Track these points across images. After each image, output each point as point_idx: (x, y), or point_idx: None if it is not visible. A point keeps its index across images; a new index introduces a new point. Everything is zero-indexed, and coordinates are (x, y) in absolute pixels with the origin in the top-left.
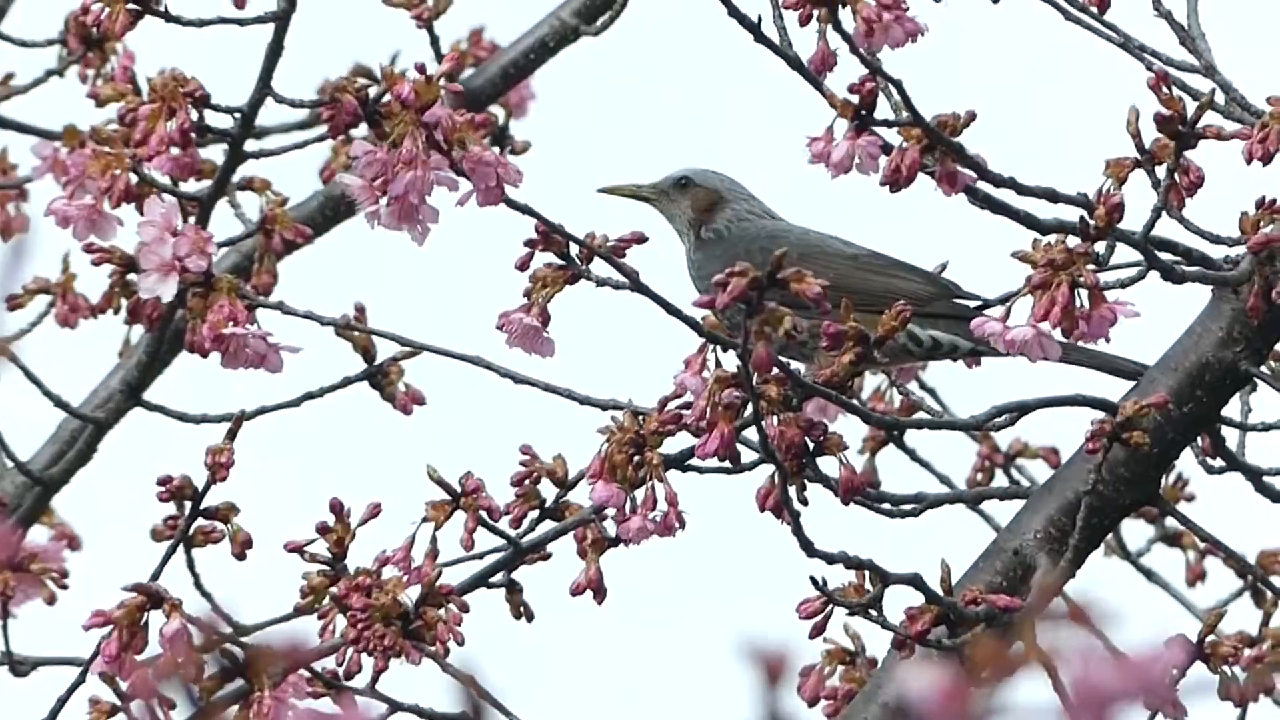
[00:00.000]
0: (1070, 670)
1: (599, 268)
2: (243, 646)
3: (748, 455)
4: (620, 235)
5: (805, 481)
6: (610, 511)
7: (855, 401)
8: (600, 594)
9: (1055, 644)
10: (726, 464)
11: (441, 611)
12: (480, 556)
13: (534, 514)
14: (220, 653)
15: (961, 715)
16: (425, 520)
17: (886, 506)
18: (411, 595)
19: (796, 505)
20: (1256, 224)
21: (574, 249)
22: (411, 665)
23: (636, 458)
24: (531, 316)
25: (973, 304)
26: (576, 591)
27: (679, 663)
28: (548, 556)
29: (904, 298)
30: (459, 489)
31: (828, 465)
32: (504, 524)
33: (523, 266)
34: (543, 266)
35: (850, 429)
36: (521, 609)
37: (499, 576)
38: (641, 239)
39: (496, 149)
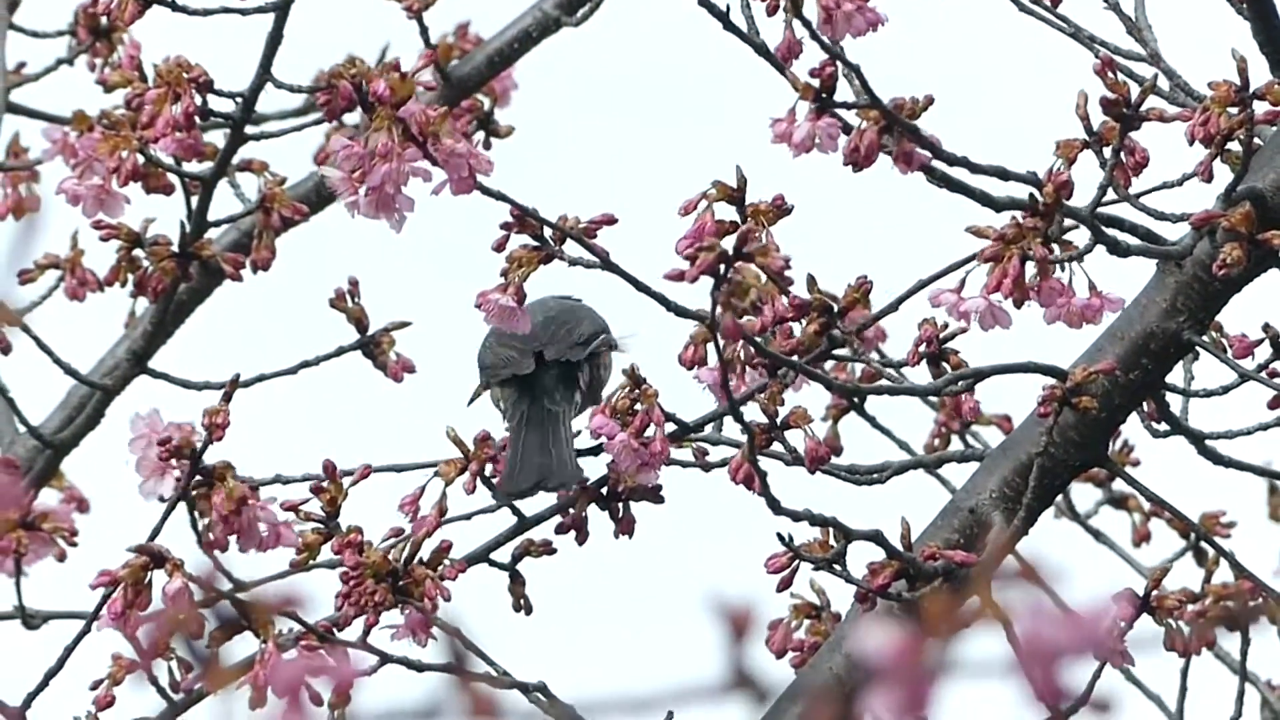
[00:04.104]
0: (1021, 626)
1: (571, 248)
2: (242, 601)
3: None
4: (591, 217)
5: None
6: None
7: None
8: (582, 535)
9: (1007, 601)
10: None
11: (433, 571)
12: (476, 514)
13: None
14: (229, 602)
15: (916, 670)
16: (436, 474)
17: (856, 476)
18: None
19: (763, 466)
20: None
21: (547, 231)
22: (400, 618)
23: (635, 393)
24: (508, 296)
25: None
26: (561, 530)
27: (650, 615)
28: (553, 550)
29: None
30: (471, 447)
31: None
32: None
33: (499, 248)
34: (518, 248)
35: (813, 398)
36: (522, 601)
37: (504, 558)
38: (612, 220)
39: (482, 133)
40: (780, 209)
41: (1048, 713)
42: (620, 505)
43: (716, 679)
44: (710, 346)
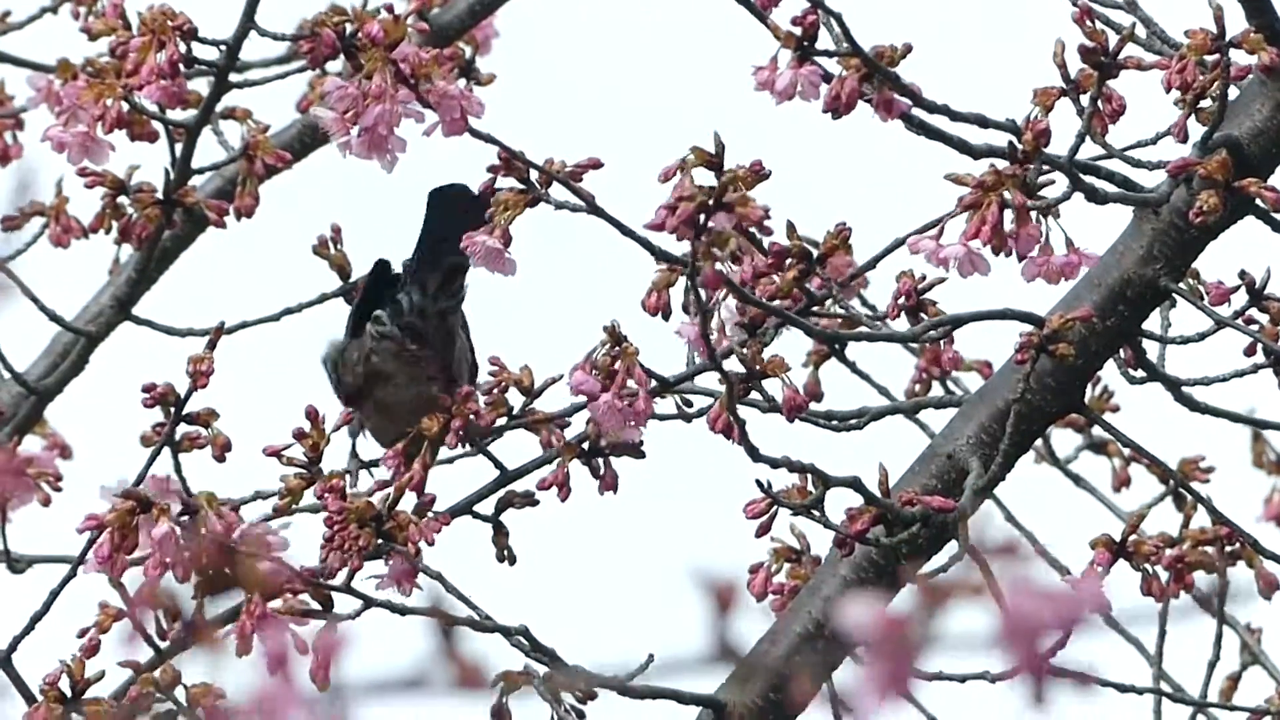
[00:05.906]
0: (1004, 601)
1: (558, 192)
2: (230, 553)
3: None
4: (577, 161)
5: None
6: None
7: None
8: (565, 492)
9: (990, 564)
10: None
11: (418, 517)
12: (458, 458)
13: (502, 420)
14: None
15: (901, 643)
16: (420, 432)
17: (835, 423)
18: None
19: (741, 413)
20: None
21: (534, 174)
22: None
23: (615, 349)
24: (494, 238)
25: None
26: (543, 487)
27: (631, 562)
28: (536, 502)
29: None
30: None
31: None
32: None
33: (486, 191)
34: (505, 191)
35: (793, 345)
36: (506, 552)
37: (487, 510)
38: (597, 164)
39: (464, 80)
40: (758, 174)
41: (1032, 682)
42: (602, 461)
43: (700, 649)
44: (684, 294)
